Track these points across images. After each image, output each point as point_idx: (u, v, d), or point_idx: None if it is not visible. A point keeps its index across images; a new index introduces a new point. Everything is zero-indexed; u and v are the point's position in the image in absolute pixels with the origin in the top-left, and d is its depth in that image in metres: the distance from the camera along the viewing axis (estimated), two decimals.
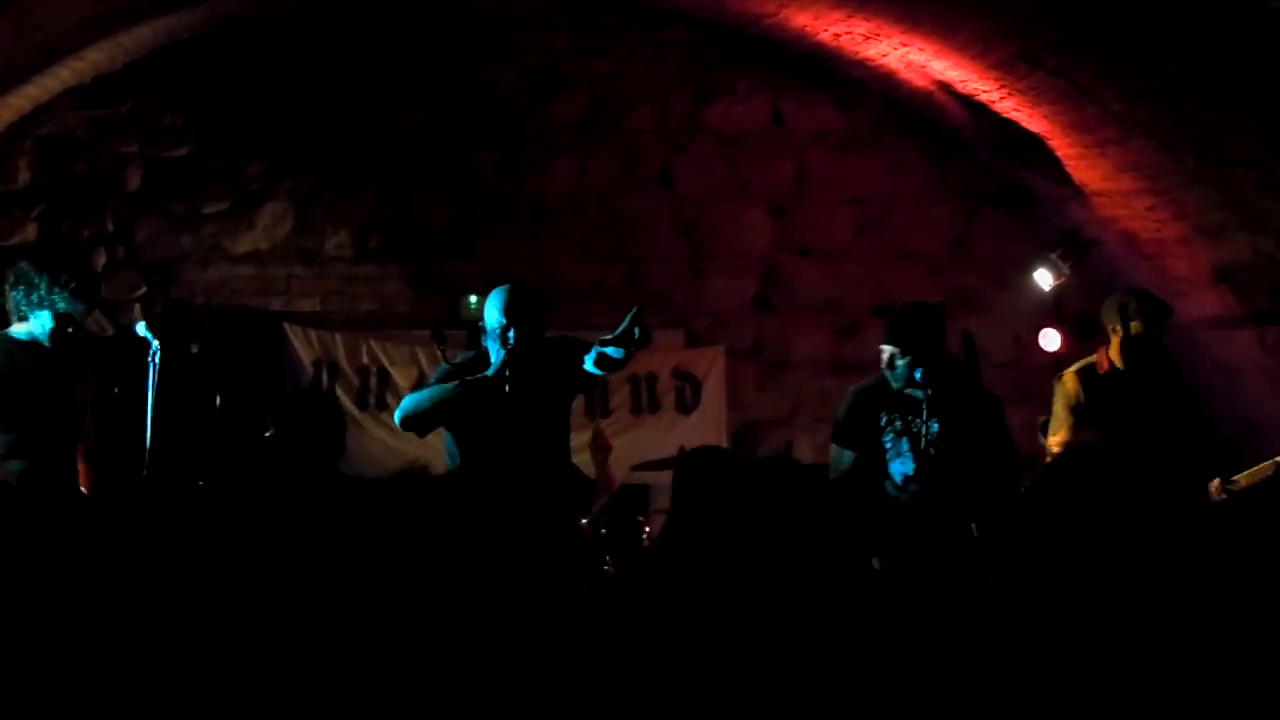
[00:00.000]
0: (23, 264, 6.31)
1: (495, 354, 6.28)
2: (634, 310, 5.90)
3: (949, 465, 6.50)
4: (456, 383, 6.24)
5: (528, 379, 6.15)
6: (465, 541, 4.44)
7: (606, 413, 9.88)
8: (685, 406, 9.98)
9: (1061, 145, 9.05)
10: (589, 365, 6.17)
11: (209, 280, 9.83)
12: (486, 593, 4.09)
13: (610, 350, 5.98)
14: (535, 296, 6.41)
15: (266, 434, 5.57)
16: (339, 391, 9.68)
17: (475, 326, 9.87)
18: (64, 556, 4.25)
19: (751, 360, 10.31)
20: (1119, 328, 7.00)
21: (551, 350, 6.40)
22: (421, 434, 6.50)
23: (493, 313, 6.30)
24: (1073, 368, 7.13)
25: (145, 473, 6.53)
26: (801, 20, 9.21)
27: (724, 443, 9.63)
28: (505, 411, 6.11)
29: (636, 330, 5.85)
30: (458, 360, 6.47)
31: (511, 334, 6.15)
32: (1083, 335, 9.82)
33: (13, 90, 8.88)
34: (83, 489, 6.48)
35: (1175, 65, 7.37)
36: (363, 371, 9.74)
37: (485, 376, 6.24)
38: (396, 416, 6.47)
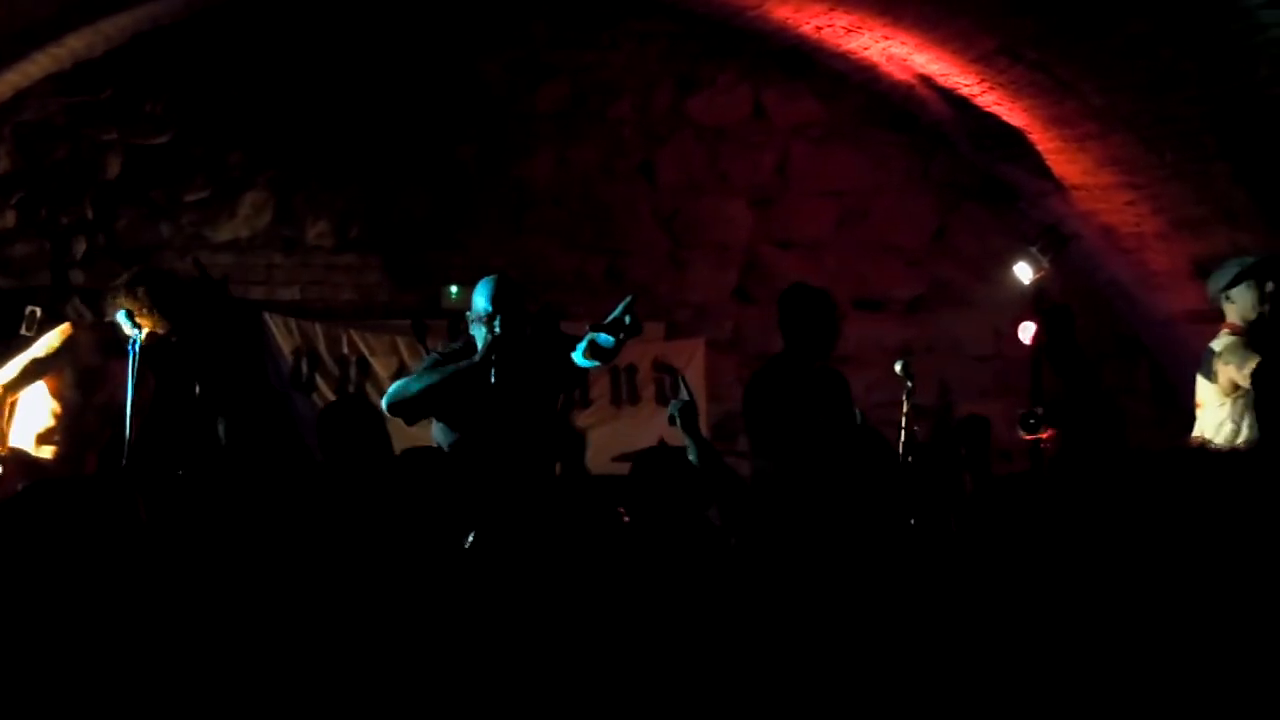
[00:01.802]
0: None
1: (481, 342, 6.30)
2: (627, 299, 5.93)
3: None
4: (444, 369, 6.28)
5: (514, 369, 6.18)
6: (451, 529, 4.45)
7: (586, 403, 9.90)
8: (665, 398, 9.96)
9: (1042, 139, 9.08)
10: (579, 356, 6.19)
11: (189, 269, 9.81)
12: (471, 582, 4.10)
13: (600, 337, 6.00)
14: (522, 287, 6.45)
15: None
16: (319, 381, 9.67)
17: (456, 316, 9.89)
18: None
19: (732, 352, 10.32)
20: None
21: (538, 342, 6.42)
22: (409, 421, 6.52)
23: (480, 301, 6.32)
24: None
25: (125, 461, 6.55)
26: (783, 13, 9.22)
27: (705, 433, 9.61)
28: (491, 400, 6.13)
29: (628, 318, 5.88)
30: (442, 350, 6.51)
31: (498, 322, 6.18)
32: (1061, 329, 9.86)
33: None
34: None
35: (1155, 61, 7.39)
36: (343, 361, 9.72)
37: (472, 362, 6.27)
38: (384, 402, 6.49)
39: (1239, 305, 6.83)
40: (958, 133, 9.97)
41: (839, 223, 10.41)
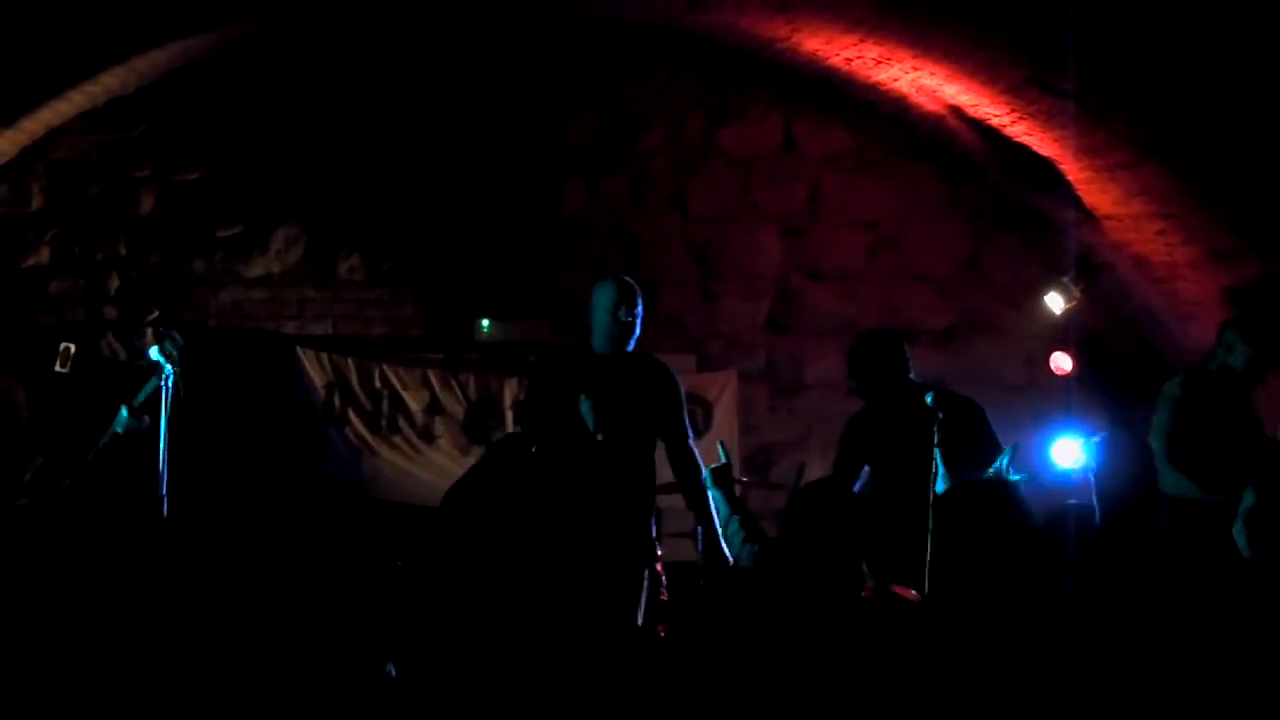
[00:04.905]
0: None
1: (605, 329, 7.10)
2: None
3: None
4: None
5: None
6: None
7: None
8: (697, 429, 9.91)
9: (1072, 169, 9.06)
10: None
11: (221, 304, 9.85)
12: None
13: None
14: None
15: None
16: (351, 415, 9.69)
17: (488, 350, 9.94)
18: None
19: (764, 382, 10.31)
20: None
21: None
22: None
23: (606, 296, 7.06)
24: None
25: (160, 494, 6.58)
26: (814, 45, 9.23)
27: (736, 466, 9.58)
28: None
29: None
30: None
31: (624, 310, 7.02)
32: (1093, 358, 9.85)
33: (26, 115, 8.91)
34: None
35: (1185, 89, 7.37)
36: (375, 395, 9.74)
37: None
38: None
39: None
40: (988, 163, 9.96)
41: (870, 253, 10.39)
